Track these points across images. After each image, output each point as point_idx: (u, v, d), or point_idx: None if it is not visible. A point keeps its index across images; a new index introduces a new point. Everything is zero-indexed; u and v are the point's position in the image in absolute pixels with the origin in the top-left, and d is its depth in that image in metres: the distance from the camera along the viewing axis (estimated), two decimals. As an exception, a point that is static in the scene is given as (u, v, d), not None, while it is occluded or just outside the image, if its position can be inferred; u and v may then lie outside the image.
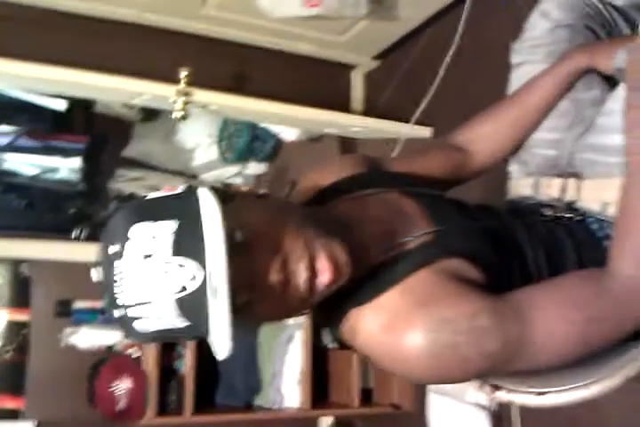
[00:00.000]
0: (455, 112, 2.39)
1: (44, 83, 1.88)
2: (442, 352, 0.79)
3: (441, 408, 2.29)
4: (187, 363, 2.43)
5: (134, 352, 2.49)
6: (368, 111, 2.79)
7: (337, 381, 2.75)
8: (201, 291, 0.69)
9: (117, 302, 0.72)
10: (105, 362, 2.45)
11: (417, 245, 0.88)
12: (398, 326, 0.81)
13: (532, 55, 1.22)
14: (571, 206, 1.10)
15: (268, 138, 3.04)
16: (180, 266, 0.69)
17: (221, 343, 0.72)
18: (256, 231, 0.76)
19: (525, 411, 1.94)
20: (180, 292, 0.69)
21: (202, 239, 0.70)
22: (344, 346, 0.93)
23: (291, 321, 2.58)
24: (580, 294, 0.86)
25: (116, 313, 0.74)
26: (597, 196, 1.05)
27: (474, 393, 2.13)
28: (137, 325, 0.72)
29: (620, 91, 1.00)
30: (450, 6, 2.39)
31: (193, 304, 0.70)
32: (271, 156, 3.10)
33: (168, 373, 2.47)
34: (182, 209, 0.73)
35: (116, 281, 0.72)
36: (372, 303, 0.84)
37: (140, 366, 2.45)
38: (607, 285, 0.87)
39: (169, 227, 0.71)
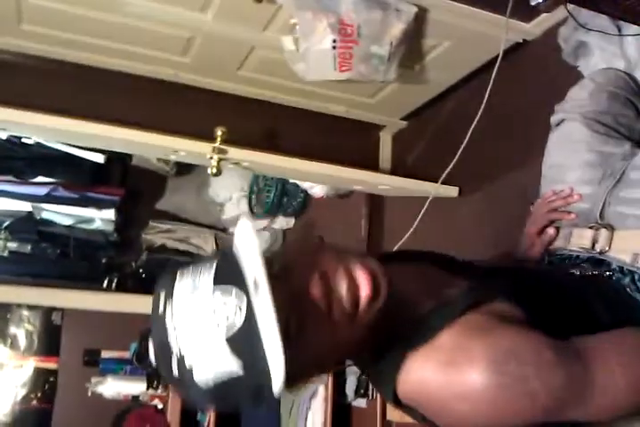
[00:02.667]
0: (481, 173, 2.44)
1: (86, 138, 1.97)
2: (510, 385, 0.76)
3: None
4: (210, 416, 2.43)
5: (158, 403, 2.50)
6: (396, 170, 2.84)
7: (359, 439, 2.71)
8: (250, 322, 0.69)
9: (172, 350, 0.72)
10: (130, 412, 2.47)
11: (460, 293, 0.90)
12: (459, 360, 0.79)
13: (571, 114, 1.29)
14: (598, 263, 1.12)
15: (297, 194, 3.10)
16: (224, 303, 0.70)
17: (278, 374, 0.70)
18: (293, 258, 0.79)
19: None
20: (230, 329, 0.70)
21: (241, 269, 0.73)
22: (397, 403, 0.88)
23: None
24: (636, 343, 0.87)
25: (174, 368, 0.73)
26: (628, 246, 1.08)
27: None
28: (196, 376, 0.71)
29: None
30: (478, 71, 2.45)
31: (244, 339, 0.70)
32: (299, 211, 3.16)
33: (191, 425, 2.46)
34: (219, 252, 0.78)
35: (168, 332, 0.73)
36: (427, 345, 0.83)
37: (163, 418, 2.46)
38: None
39: (212, 269, 0.74)
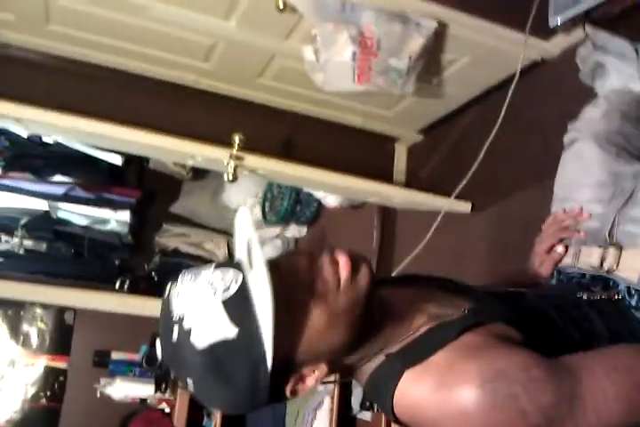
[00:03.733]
0: (494, 189, 2.44)
1: (104, 139, 2.00)
2: (501, 403, 0.77)
3: None
4: (215, 422, 2.45)
5: (165, 407, 2.52)
6: (410, 183, 2.85)
7: (362, 452, 2.70)
8: (244, 289, 0.79)
9: (173, 318, 0.80)
10: (136, 414, 2.49)
11: (459, 315, 0.91)
12: (452, 380, 0.80)
13: (583, 133, 1.31)
14: (607, 284, 1.13)
15: (311, 203, 3.12)
16: (222, 273, 0.81)
17: (269, 342, 0.77)
18: (287, 253, 0.88)
19: None
20: (226, 292, 0.79)
21: (239, 261, 0.84)
22: (394, 417, 0.90)
23: (320, 387, 2.58)
24: (629, 360, 0.87)
25: (174, 335, 0.80)
26: (636, 266, 1.09)
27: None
28: (193, 338, 0.78)
29: None
30: (495, 87, 2.47)
31: (239, 304, 0.78)
32: (312, 220, 3.18)
33: (195, 429, 2.49)
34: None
35: (169, 300, 0.82)
36: (423, 364, 0.84)
37: (170, 421, 2.48)
38: None
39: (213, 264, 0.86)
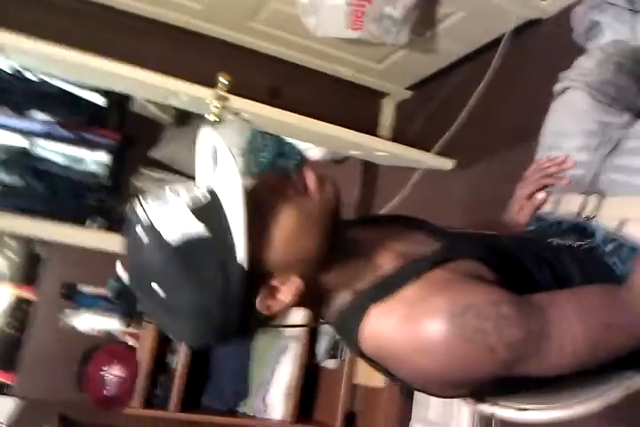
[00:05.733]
0: (480, 147, 2.44)
1: (88, 72, 1.95)
2: (467, 337, 0.77)
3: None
4: (180, 359, 2.46)
5: (131, 341, 2.52)
6: (394, 140, 2.83)
7: (324, 399, 2.74)
8: (213, 194, 0.80)
9: (138, 216, 0.79)
10: (100, 347, 2.48)
11: (429, 252, 0.91)
12: (421, 312, 0.80)
13: (575, 82, 1.29)
14: (583, 233, 1.13)
15: (293, 155, 3.09)
16: (187, 185, 0.83)
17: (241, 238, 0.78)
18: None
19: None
20: (192, 196, 0.80)
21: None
22: (358, 354, 0.90)
23: (287, 333, 2.60)
24: (598, 300, 0.89)
25: (138, 230, 0.79)
26: (617, 213, 1.09)
27: (456, 424, 2.12)
28: (164, 237, 0.78)
29: None
30: (489, 45, 2.44)
31: (208, 206, 0.79)
32: (294, 173, 3.15)
33: (160, 366, 2.49)
34: None
35: (136, 205, 0.81)
36: (390, 300, 0.84)
37: (133, 356, 2.48)
38: (624, 296, 0.90)
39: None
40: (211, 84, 2.09)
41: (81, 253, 2.42)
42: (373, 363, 0.90)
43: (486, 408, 0.98)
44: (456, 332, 0.77)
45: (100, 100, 2.71)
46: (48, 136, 2.62)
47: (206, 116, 2.01)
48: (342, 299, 0.89)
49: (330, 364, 2.68)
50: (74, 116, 2.71)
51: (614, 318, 0.87)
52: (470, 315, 0.78)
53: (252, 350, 2.65)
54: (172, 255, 0.78)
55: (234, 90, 2.11)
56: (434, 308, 0.79)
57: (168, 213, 0.79)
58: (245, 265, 0.79)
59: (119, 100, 2.80)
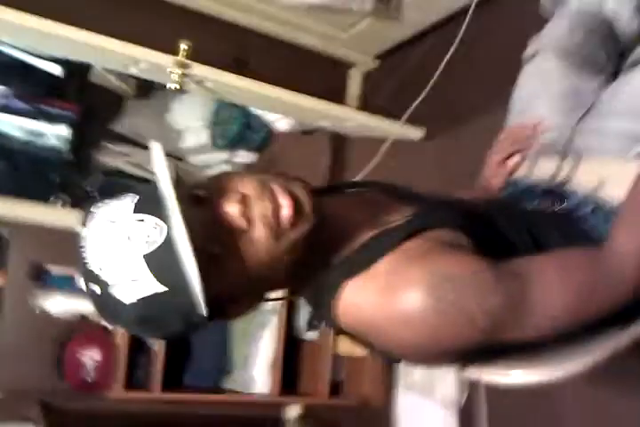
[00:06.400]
0: (449, 117, 2.42)
1: (42, 37, 1.85)
2: (445, 309, 0.76)
3: (409, 404, 2.30)
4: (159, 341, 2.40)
5: (108, 324, 2.46)
6: (363, 110, 2.79)
7: (308, 371, 2.75)
8: (166, 242, 0.71)
9: (89, 270, 0.74)
10: (77, 331, 2.42)
11: (404, 221, 0.88)
12: (397, 284, 0.78)
13: (546, 46, 1.29)
14: (557, 197, 1.11)
15: (261, 127, 3.04)
16: (141, 221, 0.72)
17: (198, 291, 0.71)
18: (214, 183, 0.79)
19: (493, 408, 1.96)
20: (146, 245, 0.71)
21: (160, 199, 0.72)
22: (335, 329, 0.89)
23: (266, 307, 2.58)
24: (578, 262, 0.88)
25: (93, 286, 0.75)
26: (592, 175, 1.08)
27: (442, 389, 2.14)
28: (117, 294, 0.73)
29: (622, 79, 1.04)
30: (455, 14, 2.41)
31: (162, 257, 0.71)
32: (262, 146, 3.10)
33: (138, 347, 2.45)
34: (145, 188, 0.78)
35: (83, 249, 0.74)
36: (366, 272, 0.82)
37: (111, 338, 2.42)
38: (604, 257, 0.89)
39: (130, 197, 0.76)
40: (171, 52, 2.02)
41: (47, 233, 2.34)
42: (352, 337, 0.88)
43: (472, 374, 0.97)
44: (434, 304, 0.76)
45: (56, 70, 2.61)
46: (4, 109, 2.52)
47: (168, 85, 1.93)
48: (317, 275, 0.87)
49: (311, 336, 2.68)
50: (30, 87, 2.61)
51: (595, 279, 0.86)
52: (448, 285, 0.76)
53: (232, 326, 2.62)
54: (129, 312, 0.75)
55: (197, 58, 2.04)
56: (410, 279, 0.78)
57: (121, 268, 0.72)
58: (206, 312, 0.75)
59: (77, 70, 2.70)
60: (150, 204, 0.74)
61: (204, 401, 2.60)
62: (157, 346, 2.42)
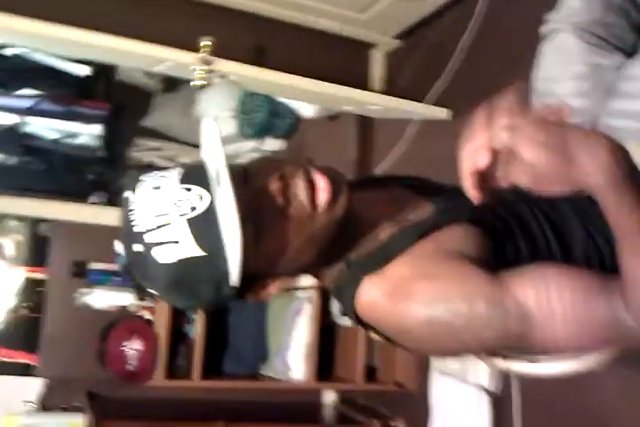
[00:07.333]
0: (475, 95, 2.39)
1: (70, 45, 1.91)
2: (437, 330, 0.78)
3: (443, 388, 2.33)
4: (197, 329, 2.49)
5: (147, 315, 2.55)
6: (386, 91, 2.79)
7: (343, 357, 2.79)
8: (210, 211, 0.75)
9: (135, 231, 0.77)
10: (118, 323, 2.51)
11: (421, 218, 0.90)
12: (399, 295, 0.81)
13: (563, 24, 1.26)
14: None
15: (287, 114, 3.05)
16: (187, 190, 0.76)
17: (235, 259, 0.75)
18: (259, 165, 0.83)
19: (526, 394, 1.96)
20: (192, 211, 0.75)
21: (206, 172, 0.77)
22: (357, 320, 0.91)
23: (300, 294, 2.62)
24: (589, 298, 0.76)
25: (135, 247, 0.78)
26: None
27: (476, 374, 2.16)
28: (157, 255, 0.76)
29: None
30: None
31: (205, 224, 0.75)
32: (289, 132, 3.12)
33: (178, 337, 2.52)
34: (189, 164, 0.83)
35: (131, 211, 0.78)
36: (382, 271, 0.85)
37: (151, 329, 2.51)
38: (618, 297, 0.76)
39: (177, 170, 0.80)
40: (193, 47, 2.05)
41: (87, 230, 2.43)
42: (371, 328, 0.91)
43: (500, 363, 0.99)
44: (426, 322, 0.78)
45: (84, 71, 2.66)
46: (37, 112, 2.58)
47: (192, 82, 1.97)
48: (335, 266, 0.90)
49: (346, 321, 2.71)
50: (61, 89, 2.67)
51: (602, 321, 0.76)
52: (442, 309, 0.78)
53: (268, 314, 2.68)
54: (165, 273, 0.78)
55: (218, 52, 2.07)
56: (411, 293, 0.80)
57: (165, 228, 0.76)
58: (237, 284, 0.79)
59: (104, 69, 2.75)
60: (195, 176, 0.78)
61: (243, 388, 2.67)
62: (197, 335, 2.49)
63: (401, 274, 0.83)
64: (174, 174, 0.79)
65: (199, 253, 0.76)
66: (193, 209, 0.75)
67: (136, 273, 0.83)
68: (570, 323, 0.75)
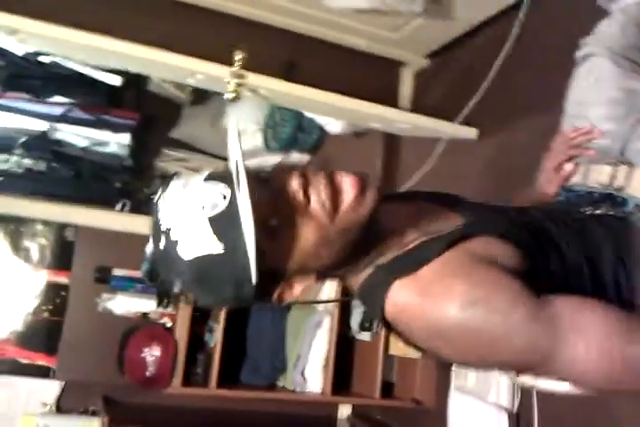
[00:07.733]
0: (503, 116, 2.40)
1: (104, 54, 1.94)
2: (470, 331, 0.78)
3: (462, 407, 2.29)
4: (216, 337, 2.48)
5: (167, 322, 2.56)
6: (415, 110, 2.80)
7: (360, 371, 2.78)
8: (231, 208, 0.77)
9: (161, 229, 0.80)
10: (138, 329, 2.52)
11: (450, 229, 0.90)
12: (436, 291, 0.80)
13: (598, 48, 1.26)
14: (615, 203, 1.11)
15: (313, 129, 3.06)
16: (210, 188, 0.79)
17: (252, 258, 0.77)
18: (278, 169, 0.86)
19: (545, 414, 1.94)
20: (214, 209, 0.78)
21: (228, 173, 0.80)
22: (385, 325, 0.91)
23: (320, 307, 2.61)
24: (627, 328, 0.79)
25: (162, 244, 0.81)
26: None
27: (496, 393, 2.13)
28: (181, 251, 0.79)
29: None
30: (506, 10, 2.39)
31: (226, 222, 0.77)
32: (315, 147, 3.13)
33: (197, 345, 2.53)
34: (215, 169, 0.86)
35: (160, 210, 0.81)
36: (411, 276, 0.84)
37: (171, 336, 2.51)
38: None
39: (203, 173, 0.84)
40: (226, 61, 2.07)
41: (112, 237, 2.46)
42: (397, 333, 0.91)
43: (527, 381, 0.98)
44: (463, 320, 0.78)
45: (115, 80, 2.70)
46: (67, 119, 2.62)
47: (225, 95, 1.99)
48: (364, 271, 0.91)
49: (364, 336, 2.70)
50: (92, 97, 2.70)
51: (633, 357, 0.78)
52: (483, 309, 0.77)
53: (287, 325, 2.68)
54: (187, 269, 0.81)
55: (250, 66, 2.09)
56: (450, 289, 0.80)
57: (187, 225, 0.79)
58: (256, 279, 0.80)
59: (135, 80, 2.79)
60: (219, 176, 0.81)
61: (259, 399, 2.65)
62: (216, 344, 2.49)
63: (435, 275, 0.83)
64: (200, 176, 0.82)
65: (220, 250, 0.78)
66: (213, 206, 0.78)
67: (162, 270, 0.86)
68: (604, 348, 0.76)
